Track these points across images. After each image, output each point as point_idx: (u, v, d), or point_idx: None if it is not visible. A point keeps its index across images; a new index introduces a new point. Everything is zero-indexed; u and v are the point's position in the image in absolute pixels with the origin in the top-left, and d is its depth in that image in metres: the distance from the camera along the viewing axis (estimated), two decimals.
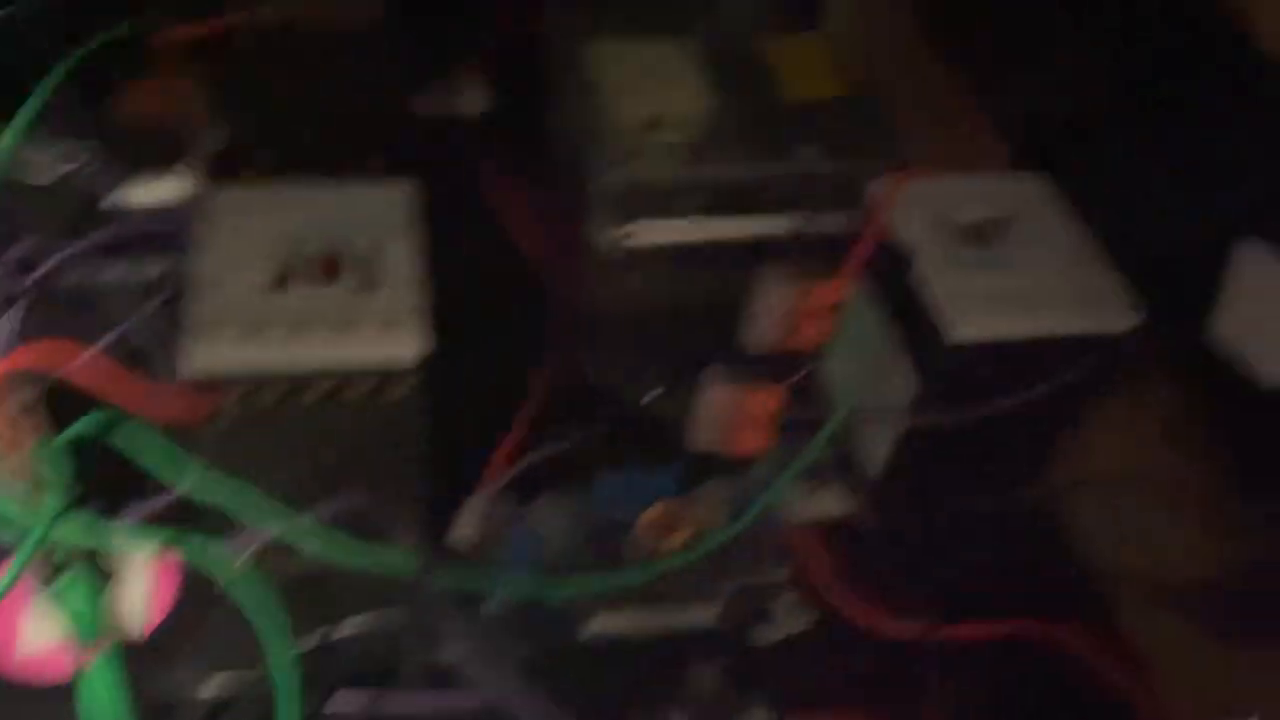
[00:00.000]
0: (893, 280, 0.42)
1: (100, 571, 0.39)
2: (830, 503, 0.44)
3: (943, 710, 0.40)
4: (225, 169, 0.54)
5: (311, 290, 0.37)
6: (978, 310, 0.39)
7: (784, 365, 0.41)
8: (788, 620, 0.41)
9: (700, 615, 0.40)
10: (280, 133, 0.55)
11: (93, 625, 0.36)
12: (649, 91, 0.57)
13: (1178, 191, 0.42)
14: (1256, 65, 0.37)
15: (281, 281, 0.37)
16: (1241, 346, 0.38)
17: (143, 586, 0.39)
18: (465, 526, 0.42)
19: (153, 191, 0.52)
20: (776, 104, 0.57)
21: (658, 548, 0.40)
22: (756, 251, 0.56)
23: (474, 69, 0.62)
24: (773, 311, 0.39)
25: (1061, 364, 0.41)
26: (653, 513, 0.40)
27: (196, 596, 0.39)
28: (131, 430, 0.37)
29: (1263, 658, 0.35)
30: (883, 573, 0.41)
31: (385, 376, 0.36)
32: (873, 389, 0.44)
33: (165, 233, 0.47)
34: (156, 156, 0.52)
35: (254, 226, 0.38)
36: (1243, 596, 0.36)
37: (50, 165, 0.51)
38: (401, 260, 0.38)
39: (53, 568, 0.37)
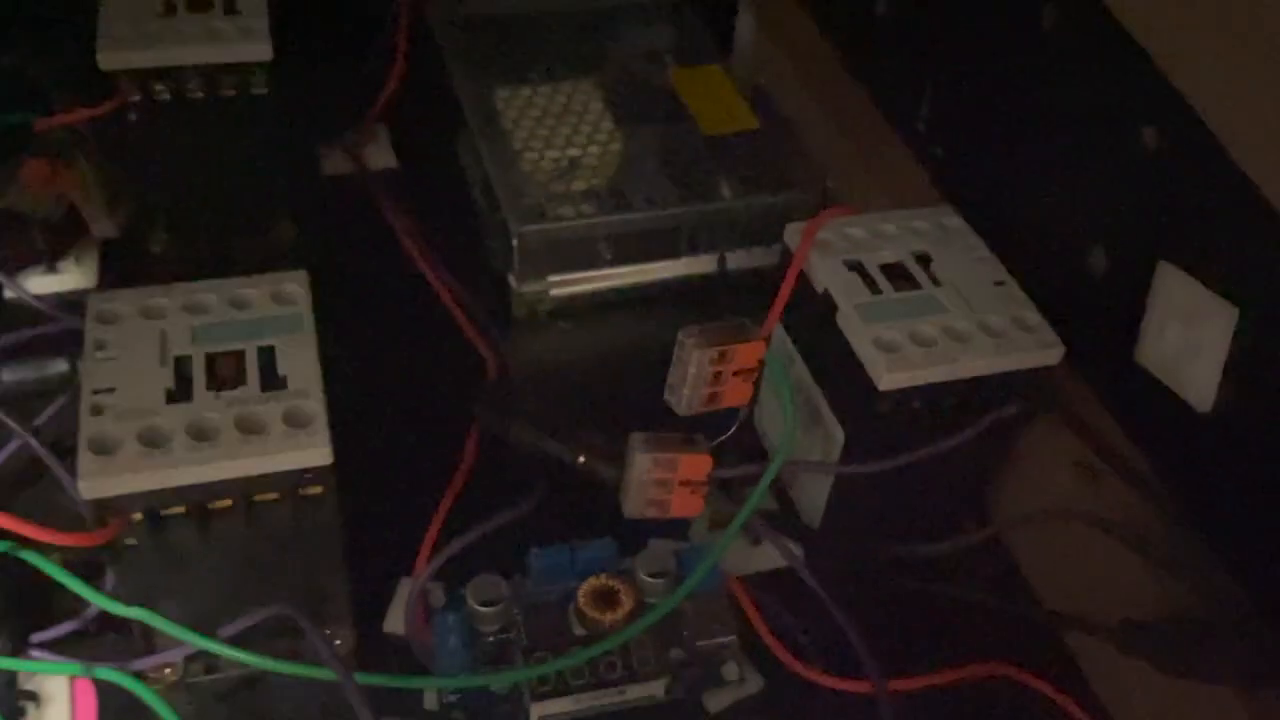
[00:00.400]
0: (817, 328, 0.41)
1: (17, 702, 0.37)
2: (772, 557, 0.43)
3: None
4: (125, 250, 0.52)
5: (211, 396, 0.35)
6: (906, 356, 0.39)
7: (711, 424, 0.40)
8: (738, 683, 0.40)
9: (648, 689, 0.39)
10: (180, 207, 0.53)
11: None
12: (561, 136, 0.56)
13: (1092, 214, 0.41)
14: (1167, 84, 0.37)
15: (180, 388, 0.35)
16: (1169, 373, 0.38)
17: (62, 713, 0.37)
18: (397, 618, 0.41)
19: (51, 281, 0.50)
20: (691, 140, 0.57)
21: (601, 621, 0.39)
22: (678, 295, 0.55)
23: (376, 125, 0.60)
24: (694, 378, 0.38)
25: (992, 401, 0.40)
26: (593, 585, 0.39)
27: (118, 719, 0.38)
28: (33, 556, 0.35)
29: (1213, 691, 0.35)
30: (830, 624, 0.40)
31: (298, 478, 0.35)
32: (806, 439, 0.43)
33: (62, 332, 0.45)
34: (51, 243, 0.50)
35: (147, 330, 0.37)
36: (1188, 628, 0.36)
37: None
38: (303, 357, 0.36)
39: None
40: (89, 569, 0.36)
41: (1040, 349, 0.40)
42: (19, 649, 0.38)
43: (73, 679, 0.38)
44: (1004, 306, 0.41)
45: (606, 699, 0.39)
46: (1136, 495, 0.38)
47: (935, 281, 0.42)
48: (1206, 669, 0.35)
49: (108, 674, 0.36)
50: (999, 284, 0.42)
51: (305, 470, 0.34)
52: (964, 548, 0.42)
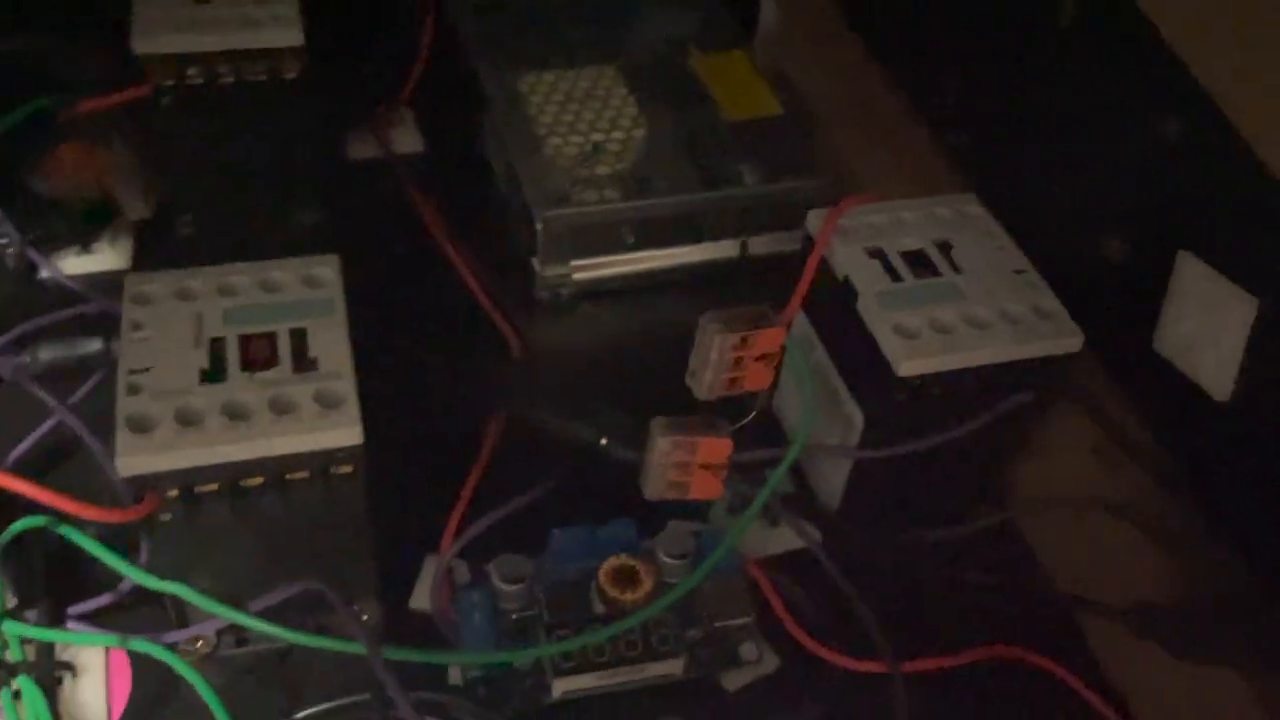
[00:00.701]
0: (838, 314, 0.42)
1: (53, 672, 0.38)
2: (790, 540, 0.44)
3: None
4: (157, 233, 0.53)
5: (245, 376, 0.36)
6: (925, 343, 0.39)
7: (731, 407, 0.41)
8: (755, 663, 0.41)
9: (667, 667, 0.40)
10: (210, 190, 0.54)
11: None
12: (585, 121, 0.57)
13: (1113, 204, 0.42)
14: (1189, 74, 0.37)
15: (214, 368, 0.36)
16: (1187, 361, 0.38)
17: (98, 683, 0.38)
18: (423, 595, 0.42)
19: (86, 262, 0.51)
20: (714, 126, 0.57)
21: (621, 600, 0.40)
22: (700, 280, 0.56)
23: (403, 109, 0.61)
24: (716, 362, 0.39)
25: (1010, 388, 0.41)
26: (613, 565, 0.40)
27: (152, 690, 0.39)
28: (70, 531, 0.36)
29: (1224, 674, 0.36)
30: (846, 606, 0.41)
31: (329, 457, 0.35)
32: (825, 423, 0.44)
33: (96, 312, 0.46)
34: (85, 225, 0.51)
35: (182, 311, 0.38)
36: (1200, 613, 0.36)
37: None
38: (334, 339, 0.37)
39: (3, 673, 0.36)
40: (124, 544, 0.37)
41: (1059, 337, 0.40)
42: (56, 621, 0.39)
43: (108, 650, 0.39)
44: (1024, 294, 0.41)
45: (626, 676, 0.39)
46: (1151, 482, 0.39)
47: (956, 269, 0.42)
48: (1218, 653, 0.35)
49: (142, 646, 0.37)
50: (1019, 272, 0.42)
51: (336, 449, 0.35)
52: (979, 532, 0.42)
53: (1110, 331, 0.41)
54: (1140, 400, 0.41)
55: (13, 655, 0.37)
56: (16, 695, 0.36)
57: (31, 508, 0.35)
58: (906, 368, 0.39)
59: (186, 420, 0.34)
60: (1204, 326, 0.38)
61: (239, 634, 0.39)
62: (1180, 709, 0.37)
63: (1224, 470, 0.37)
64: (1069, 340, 0.40)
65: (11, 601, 0.38)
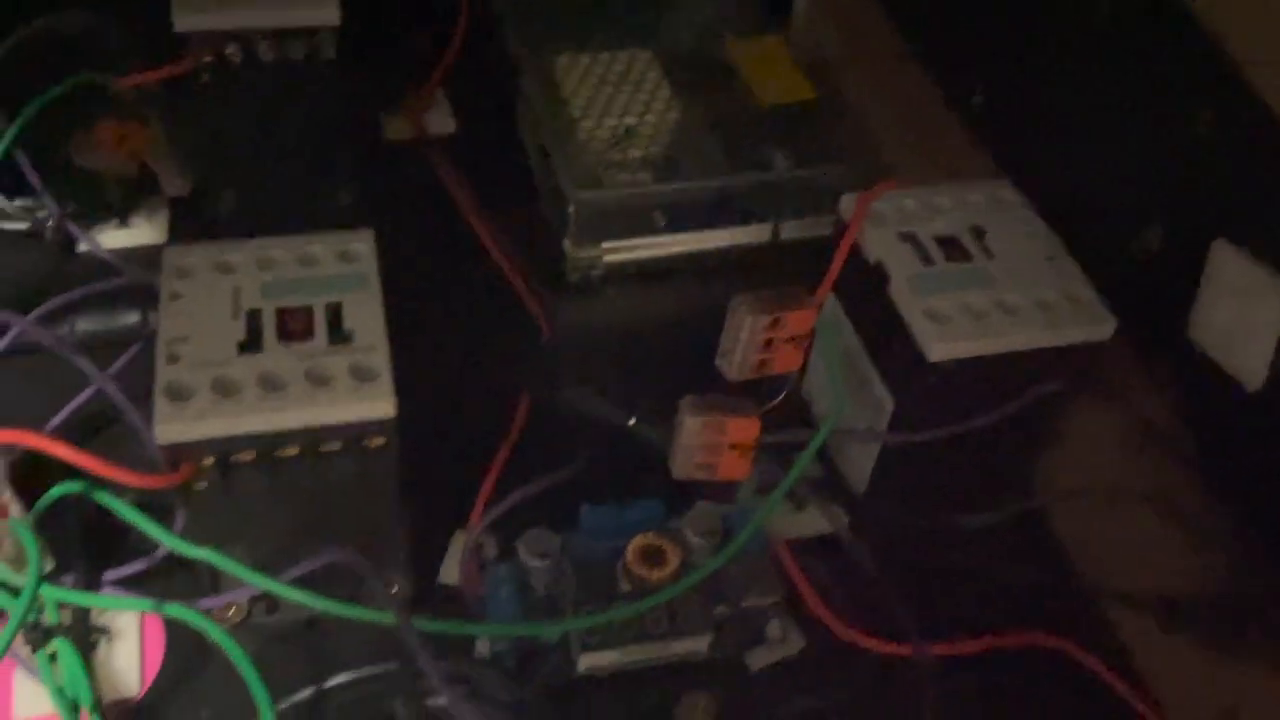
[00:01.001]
0: (869, 298, 0.42)
1: (89, 636, 0.39)
2: (817, 523, 0.44)
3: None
4: (194, 208, 0.54)
5: (281, 348, 0.36)
6: (956, 328, 0.39)
7: (761, 388, 0.41)
8: (780, 643, 0.41)
9: (692, 644, 0.40)
10: (248, 167, 0.54)
11: (85, 690, 0.36)
12: (619, 104, 0.57)
13: (1148, 192, 0.41)
14: (1225, 63, 0.37)
15: (251, 340, 0.37)
16: (1220, 350, 0.38)
17: (132, 648, 0.39)
18: (452, 569, 0.42)
19: (123, 236, 0.52)
20: (747, 111, 0.57)
21: (647, 578, 0.40)
22: (730, 265, 0.56)
23: (438, 90, 0.61)
24: (746, 343, 0.39)
25: (1042, 375, 0.41)
26: (640, 543, 0.40)
27: (185, 655, 0.39)
28: (107, 497, 0.37)
29: (1252, 666, 0.35)
30: (872, 590, 0.41)
31: (362, 429, 0.36)
32: (853, 407, 0.44)
33: (133, 285, 0.47)
34: (123, 200, 0.52)
35: (220, 283, 0.38)
36: (1231, 604, 0.36)
37: (18, 213, 0.50)
38: (369, 313, 0.38)
39: (40, 635, 0.37)
40: (159, 511, 0.38)
41: (1091, 324, 0.40)
42: (93, 585, 0.40)
43: (143, 615, 0.40)
44: (1056, 281, 0.41)
45: (651, 652, 0.40)
46: (1182, 472, 0.39)
47: (988, 254, 0.42)
48: (1248, 647, 0.35)
49: (176, 611, 0.38)
50: (1052, 258, 0.42)
51: (370, 422, 0.36)
52: (1007, 519, 0.42)
53: (1144, 320, 0.40)
54: (1172, 389, 0.40)
55: (50, 619, 0.38)
56: (53, 658, 0.37)
57: (69, 473, 0.36)
58: (937, 351, 0.39)
59: (224, 390, 0.35)
60: (1238, 315, 0.37)
61: (271, 602, 0.40)
62: (1206, 699, 0.37)
63: (1255, 460, 0.37)
64: (1101, 327, 0.40)
65: (49, 565, 0.39)
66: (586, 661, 0.39)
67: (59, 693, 0.36)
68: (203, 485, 0.36)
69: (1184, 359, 0.39)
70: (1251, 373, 0.37)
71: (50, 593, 0.38)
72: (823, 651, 0.41)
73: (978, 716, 0.40)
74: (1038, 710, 0.40)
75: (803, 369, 0.41)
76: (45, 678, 0.37)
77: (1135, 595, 0.39)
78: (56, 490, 0.37)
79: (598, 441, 0.43)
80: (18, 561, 0.37)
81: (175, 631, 0.39)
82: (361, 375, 0.36)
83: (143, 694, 0.38)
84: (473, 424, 0.46)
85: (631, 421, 0.43)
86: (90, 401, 0.44)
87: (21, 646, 0.37)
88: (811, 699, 0.41)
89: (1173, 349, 0.39)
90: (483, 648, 0.40)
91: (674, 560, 0.40)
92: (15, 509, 0.37)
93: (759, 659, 0.41)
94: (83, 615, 0.39)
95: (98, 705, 0.37)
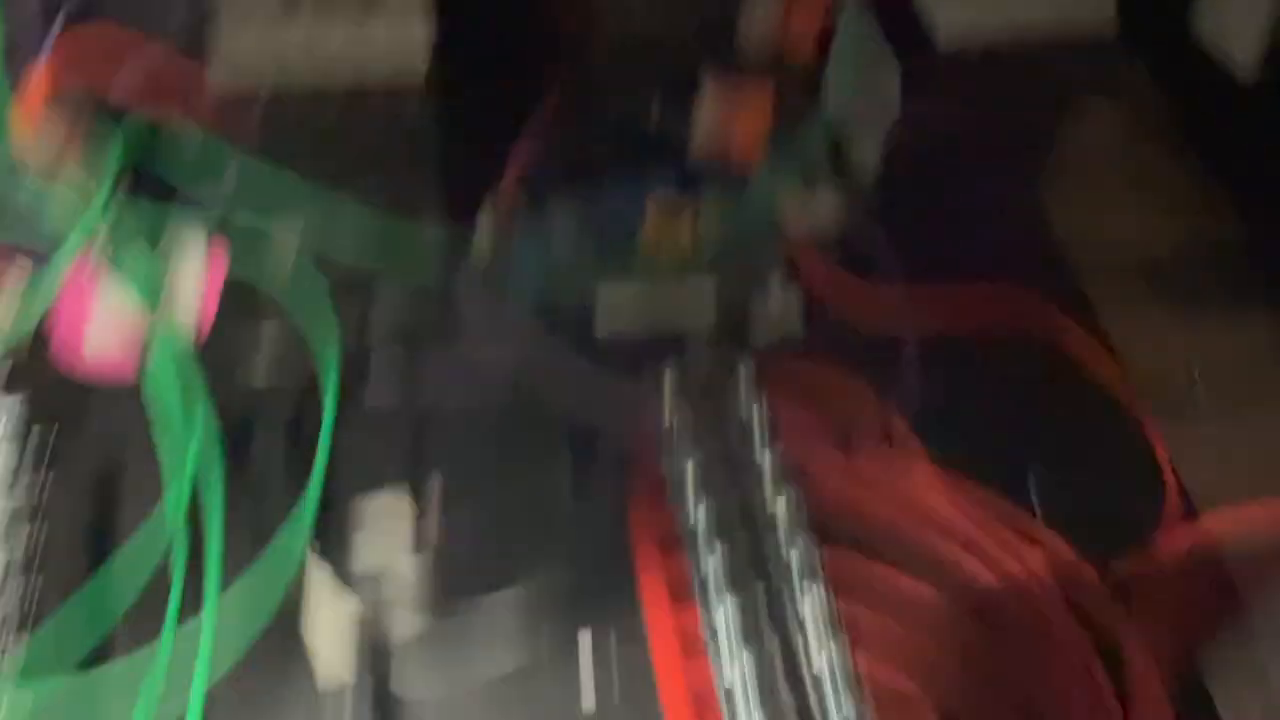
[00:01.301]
0: None
1: (157, 251, 0.41)
2: (825, 209, 0.46)
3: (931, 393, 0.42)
4: None
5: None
6: (966, 10, 0.41)
7: (779, 70, 0.43)
8: (781, 322, 0.44)
9: (700, 318, 0.42)
10: None
11: (155, 294, 0.40)
12: None
13: None
14: None
15: None
16: (1222, 41, 0.40)
17: (197, 267, 0.42)
18: (482, 236, 0.45)
19: None
20: None
21: (661, 244, 0.42)
22: None
23: None
24: (764, 22, 0.40)
25: (1046, 71, 0.42)
26: (656, 206, 0.43)
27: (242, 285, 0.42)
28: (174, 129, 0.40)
29: (1213, 323, 0.38)
30: (875, 269, 0.43)
31: (400, 71, 0.38)
32: (866, 94, 0.46)
33: None
34: None
35: None
36: (1203, 267, 0.38)
37: None
38: None
39: (114, 246, 0.40)
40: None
41: (1096, 12, 0.41)
42: (157, 209, 0.42)
43: (205, 241, 0.42)
44: None
45: (662, 317, 0.42)
46: (1177, 155, 0.40)
47: None
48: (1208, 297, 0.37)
49: (235, 234, 0.41)
50: None
51: (409, 62, 0.38)
52: (1007, 197, 0.43)
53: (1148, 10, 0.42)
54: (1174, 79, 0.42)
55: (121, 234, 0.40)
56: (125, 264, 0.40)
57: None
58: (945, 21, 0.40)
59: (277, 27, 0.38)
60: (1237, 6, 0.39)
61: (324, 236, 0.42)
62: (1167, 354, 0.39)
63: (1245, 145, 0.39)
64: (1105, 19, 0.41)
65: (121, 184, 0.41)
66: (599, 325, 0.42)
67: (133, 296, 0.39)
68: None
69: (1187, 50, 0.40)
70: (1244, 65, 0.39)
71: (121, 210, 0.40)
72: (821, 328, 0.42)
73: (966, 388, 0.41)
74: (1026, 385, 0.41)
75: (823, 58, 0.43)
76: (122, 282, 0.40)
77: (1118, 260, 0.40)
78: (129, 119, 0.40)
79: (623, 123, 0.45)
80: (91, 182, 0.40)
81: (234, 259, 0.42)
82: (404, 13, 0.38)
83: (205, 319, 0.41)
84: (504, 105, 0.46)
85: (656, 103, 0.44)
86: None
87: (97, 258, 0.40)
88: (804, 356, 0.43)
89: (1177, 40, 0.40)
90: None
91: (687, 226, 0.43)
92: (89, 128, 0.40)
93: (760, 336, 0.43)
94: (152, 233, 0.41)
95: (167, 314, 0.40)
